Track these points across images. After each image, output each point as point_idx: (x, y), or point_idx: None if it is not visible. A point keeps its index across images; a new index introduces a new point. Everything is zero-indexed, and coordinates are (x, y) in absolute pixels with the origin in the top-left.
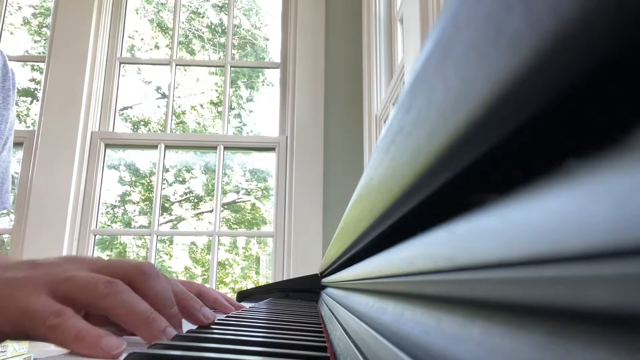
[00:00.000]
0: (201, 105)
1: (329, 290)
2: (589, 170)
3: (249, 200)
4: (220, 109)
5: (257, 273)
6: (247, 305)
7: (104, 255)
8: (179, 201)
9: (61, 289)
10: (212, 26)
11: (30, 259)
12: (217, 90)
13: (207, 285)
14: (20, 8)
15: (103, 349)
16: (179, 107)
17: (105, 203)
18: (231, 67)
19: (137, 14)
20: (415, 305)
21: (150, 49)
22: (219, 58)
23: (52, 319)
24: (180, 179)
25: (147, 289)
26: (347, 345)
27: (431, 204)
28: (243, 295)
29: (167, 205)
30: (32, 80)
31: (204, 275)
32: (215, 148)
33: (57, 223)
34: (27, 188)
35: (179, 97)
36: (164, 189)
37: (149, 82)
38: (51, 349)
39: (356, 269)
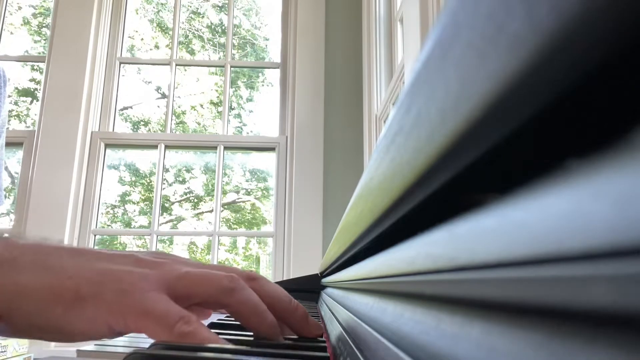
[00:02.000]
0: (201, 105)
1: (329, 290)
2: (589, 170)
3: (249, 200)
4: (220, 109)
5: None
6: None
7: None
8: (179, 201)
9: (179, 286)
10: (212, 26)
11: (123, 251)
12: (217, 90)
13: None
14: (20, 8)
15: None
16: (179, 107)
17: (105, 203)
18: (231, 67)
19: (137, 14)
20: (415, 305)
21: (150, 49)
22: (219, 58)
23: (181, 325)
24: (180, 179)
25: (260, 292)
26: (347, 345)
27: (431, 204)
28: None
29: (167, 205)
30: (32, 80)
31: None
32: (215, 148)
33: (57, 223)
34: (27, 188)
35: (179, 97)
36: (164, 189)
37: (149, 82)
38: (51, 348)
39: (356, 269)
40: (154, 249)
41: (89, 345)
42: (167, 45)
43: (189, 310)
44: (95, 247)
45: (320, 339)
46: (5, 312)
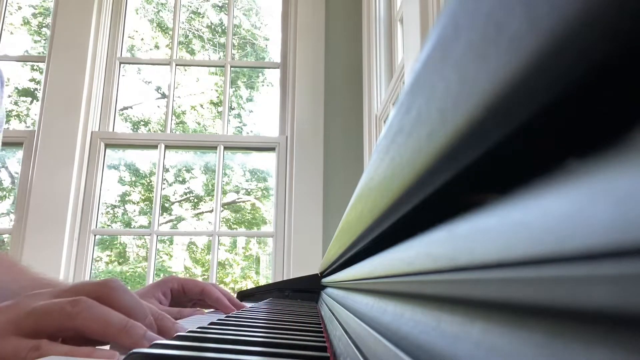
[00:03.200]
0: (201, 105)
1: (329, 290)
2: (589, 170)
3: (249, 200)
4: (220, 109)
5: (257, 273)
6: (247, 305)
7: (104, 256)
8: (179, 201)
9: (27, 324)
10: (212, 26)
11: None
12: (217, 90)
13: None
14: (20, 8)
15: None
16: (179, 107)
17: (105, 203)
18: (231, 67)
19: (137, 14)
20: (415, 305)
21: (150, 49)
22: (219, 58)
23: (31, 354)
24: (180, 179)
25: (116, 301)
26: (347, 345)
27: (431, 204)
28: (243, 295)
29: (167, 205)
30: (32, 80)
31: (204, 275)
32: (215, 148)
33: (57, 223)
34: (27, 188)
35: (179, 97)
36: (164, 189)
37: (149, 82)
38: None
39: (356, 269)
40: (154, 249)
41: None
42: (167, 45)
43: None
44: (95, 248)
45: (317, 338)
46: None
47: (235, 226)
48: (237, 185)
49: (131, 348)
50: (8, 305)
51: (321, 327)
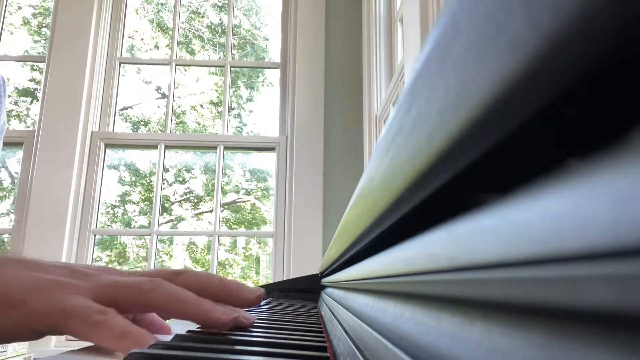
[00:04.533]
0: (201, 105)
1: (329, 290)
2: (589, 170)
3: (249, 200)
4: (220, 109)
5: (257, 273)
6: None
7: (104, 256)
8: (179, 201)
9: (106, 293)
10: (212, 26)
11: (65, 264)
12: (217, 90)
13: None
14: (20, 8)
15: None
16: (179, 107)
17: (105, 203)
18: (231, 67)
19: (137, 14)
20: (415, 305)
21: (150, 49)
22: (219, 58)
23: (95, 316)
24: (180, 179)
25: (187, 283)
26: (347, 345)
27: (431, 204)
28: None
29: (167, 205)
30: (32, 80)
31: None
32: (215, 148)
33: (57, 223)
34: (27, 188)
35: (179, 97)
36: (164, 189)
37: (149, 82)
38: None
39: (356, 269)
40: (154, 249)
41: (89, 345)
42: (167, 45)
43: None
44: (95, 248)
45: (317, 338)
46: None
47: (235, 226)
48: (237, 185)
49: (204, 325)
50: (86, 271)
51: (321, 327)
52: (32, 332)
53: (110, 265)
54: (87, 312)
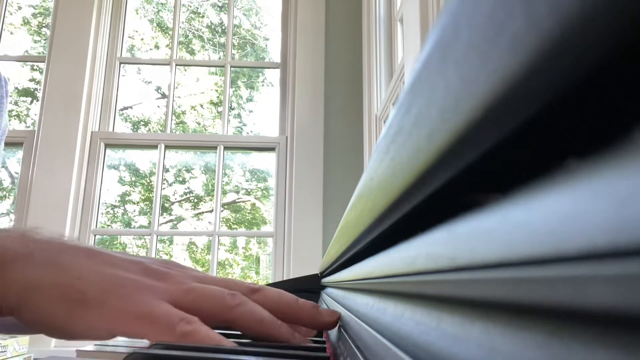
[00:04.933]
0: (201, 105)
1: (329, 290)
2: (589, 170)
3: (249, 200)
4: (220, 109)
5: (257, 273)
6: None
7: None
8: (179, 201)
9: (185, 300)
10: (212, 26)
11: (136, 258)
12: (217, 90)
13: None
14: (20, 8)
15: None
16: (179, 107)
17: (105, 203)
18: (231, 67)
19: (137, 14)
20: (415, 305)
21: (150, 49)
22: (219, 58)
23: (183, 325)
24: (180, 179)
25: (265, 302)
26: (347, 345)
27: (431, 204)
28: None
29: (167, 205)
30: (32, 80)
31: None
32: (215, 148)
33: (57, 223)
34: (27, 188)
35: (179, 97)
36: (164, 189)
37: (149, 82)
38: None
39: (356, 269)
40: (154, 249)
41: (89, 346)
42: (167, 45)
43: None
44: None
45: (317, 338)
46: (16, 306)
47: (235, 226)
48: (237, 185)
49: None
50: (165, 273)
51: None
52: (108, 333)
53: None
54: (173, 320)
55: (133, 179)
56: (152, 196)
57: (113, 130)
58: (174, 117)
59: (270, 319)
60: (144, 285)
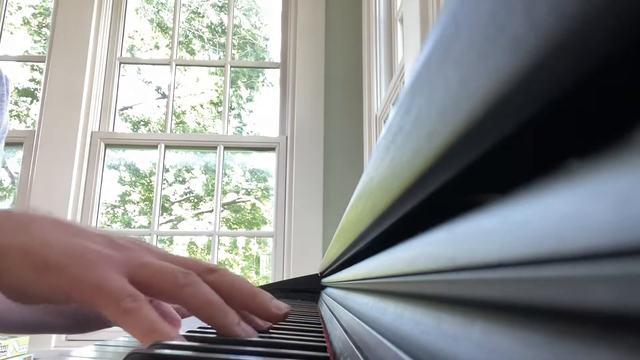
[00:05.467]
0: (201, 105)
1: (329, 290)
2: (589, 170)
3: (249, 200)
4: (220, 109)
5: (257, 273)
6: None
7: None
8: (179, 201)
9: (139, 274)
10: (212, 26)
11: (104, 232)
12: (217, 90)
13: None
14: (20, 8)
15: None
16: (179, 107)
17: (105, 203)
18: (231, 67)
19: (137, 14)
20: (415, 305)
21: (150, 49)
22: (219, 58)
23: (127, 301)
24: (180, 179)
25: (218, 283)
26: (346, 345)
27: (431, 203)
28: None
29: (167, 205)
30: (32, 80)
31: None
32: (215, 148)
33: None
34: (27, 188)
35: (179, 97)
36: (164, 189)
37: (149, 82)
38: (51, 348)
39: (356, 269)
40: None
41: (89, 345)
42: (167, 45)
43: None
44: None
45: (317, 338)
46: None
47: (235, 226)
48: (237, 185)
49: (225, 334)
50: (124, 244)
51: (321, 327)
52: (65, 298)
53: None
54: (120, 294)
55: (133, 178)
56: (152, 196)
57: (113, 130)
58: (174, 117)
59: (219, 304)
60: (103, 256)
